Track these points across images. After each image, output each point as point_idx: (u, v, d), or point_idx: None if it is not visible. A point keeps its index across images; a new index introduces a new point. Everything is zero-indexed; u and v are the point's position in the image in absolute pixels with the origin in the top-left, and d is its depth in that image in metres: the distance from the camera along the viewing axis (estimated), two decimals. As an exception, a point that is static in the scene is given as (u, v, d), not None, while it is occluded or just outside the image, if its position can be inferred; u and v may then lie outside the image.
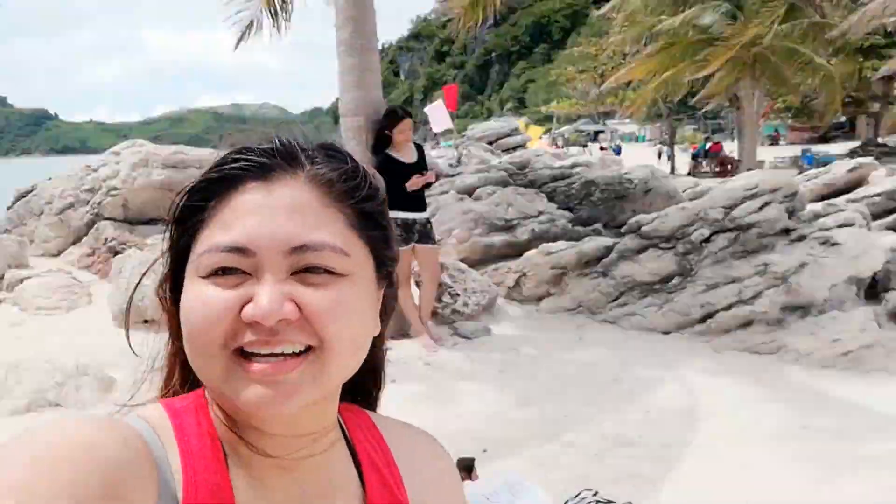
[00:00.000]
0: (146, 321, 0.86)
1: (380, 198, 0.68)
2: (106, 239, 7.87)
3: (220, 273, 0.60)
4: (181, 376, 0.71)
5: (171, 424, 0.63)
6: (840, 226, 5.62)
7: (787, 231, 5.59)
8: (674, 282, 5.64)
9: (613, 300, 5.81)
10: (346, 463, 0.72)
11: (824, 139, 37.46)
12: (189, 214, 0.64)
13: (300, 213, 0.62)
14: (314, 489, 0.67)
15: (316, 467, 0.68)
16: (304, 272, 0.61)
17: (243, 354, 0.60)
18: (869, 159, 10.22)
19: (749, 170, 14.62)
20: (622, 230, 6.16)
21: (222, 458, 0.63)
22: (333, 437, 0.70)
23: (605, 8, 19.58)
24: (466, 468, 2.84)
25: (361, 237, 0.65)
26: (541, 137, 20.47)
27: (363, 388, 0.79)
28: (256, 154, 0.64)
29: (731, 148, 24.30)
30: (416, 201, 5.18)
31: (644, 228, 5.86)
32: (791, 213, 5.66)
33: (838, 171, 9.86)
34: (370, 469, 0.72)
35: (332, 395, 0.68)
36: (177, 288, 0.66)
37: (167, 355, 0.72)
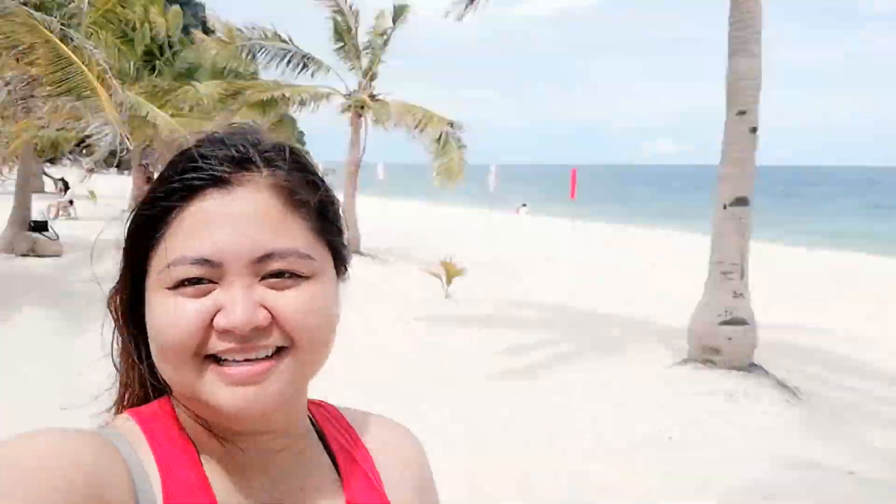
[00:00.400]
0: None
1: (335, 198, 0.70)
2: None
3: (186, 284, 0.60)
4: (142, 385, 0.71)
5: (142, 431, 0.64)
6: None
7: None
8: None
9: None
10: (320, 454, 0.73)
11: None
12: (146, 226, 0.64)
13: (264, 220, 0.62)
14: (290, 481, 0.69)
15: (290, 460, 0.69)
16: (272, 277, 0.61)
17: (216, 360, 0.60)
18: None
19: None
20: None
21: (197, 459, 0.64)
22: (304, 430, 0.72)
23: None
24: None
25: (321, 238, 0.66)
26: None
27: None
28: (216, 162, 0.63)
29: None
30: None
31: None
32: None
33: None
34: (344, 458, 0.73)
35: (302, 390, 0.69)
36: (131, 300, 0.67)
37: (123, 367, 0.72)
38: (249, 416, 0.61)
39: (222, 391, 0.60)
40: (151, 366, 0.66)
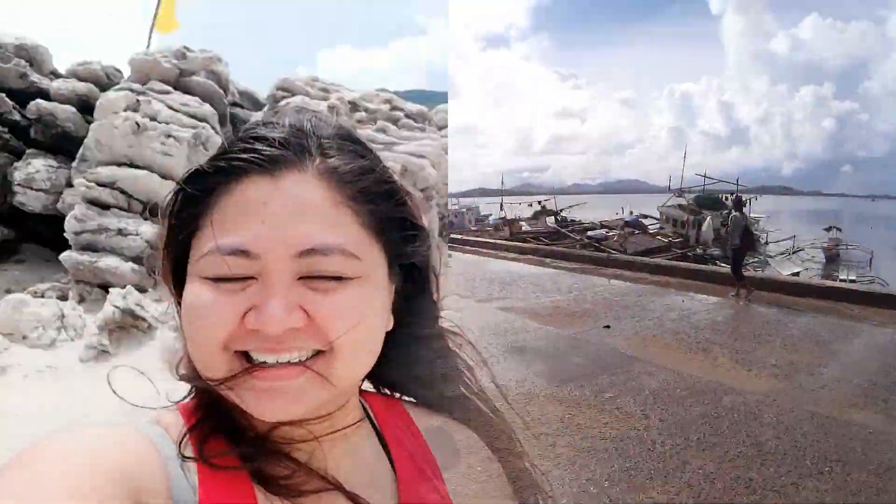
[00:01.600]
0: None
1: (398, 194, 0.64)
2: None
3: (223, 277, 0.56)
4: None
5: (185, 424, 0.61)
6: None
7: None
8: None
9: None
10: (373, 450, 0.70)
11: None
12: (188, 204, 0.59)
13: (309, 212, 0.56)
14: (337, 475, 0.64)
15: (336, 455, 0.66)
16: (313, 277, 0.56)
17: (247, 357, 0.56)
18: None
19: None
20: None
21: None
22: (352, 420, 0.68)
23: None
24: None
25: (375, 236, 0.61)
26: None
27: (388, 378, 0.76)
28: (266, 144, 0.58)
29: None
30: None
31: None
32: None
33: None
34: (402, 455, 0.70)
35: (342, 391, 0.63)
36: (179, 281, 0.62)
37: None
38: (273, 419, 0.58)
39: (247, 392, 0.56)
40: None
